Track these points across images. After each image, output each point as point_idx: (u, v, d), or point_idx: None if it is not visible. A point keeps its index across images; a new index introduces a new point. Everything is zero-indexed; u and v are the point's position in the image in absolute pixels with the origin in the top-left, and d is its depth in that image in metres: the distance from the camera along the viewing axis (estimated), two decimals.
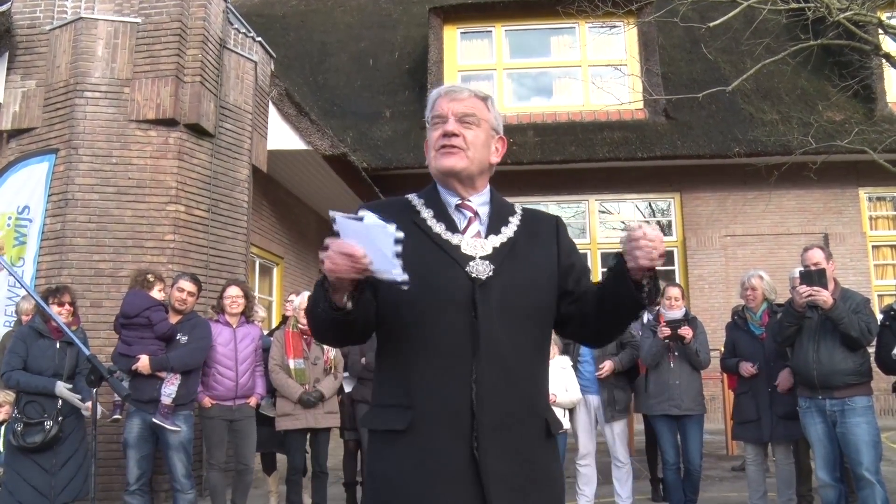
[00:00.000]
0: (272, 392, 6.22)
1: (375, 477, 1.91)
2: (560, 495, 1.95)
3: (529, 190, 12.46)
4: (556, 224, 2.08)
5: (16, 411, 5.29)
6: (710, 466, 7.86)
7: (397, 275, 1.65)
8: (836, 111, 12.38)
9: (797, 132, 11.21)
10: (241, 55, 8.69)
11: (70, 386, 5.28)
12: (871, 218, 13.20)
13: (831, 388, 4.83)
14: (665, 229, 13.57)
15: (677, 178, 13.02)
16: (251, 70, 8.78)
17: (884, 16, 9.86)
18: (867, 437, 4.74)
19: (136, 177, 7.57)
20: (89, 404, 5.22)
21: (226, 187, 8.25)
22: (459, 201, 2.00)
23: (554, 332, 2.07)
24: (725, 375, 7.93)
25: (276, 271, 11.68)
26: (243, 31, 9.01)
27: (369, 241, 1.63)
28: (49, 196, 7.49)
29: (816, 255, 5.00)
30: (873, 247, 13.10)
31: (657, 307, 6.49)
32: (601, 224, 13.49)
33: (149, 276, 5.88)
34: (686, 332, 5.79)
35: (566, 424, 6.02)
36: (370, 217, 1.67)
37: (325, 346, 6.02)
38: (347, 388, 6.47)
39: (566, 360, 6.06)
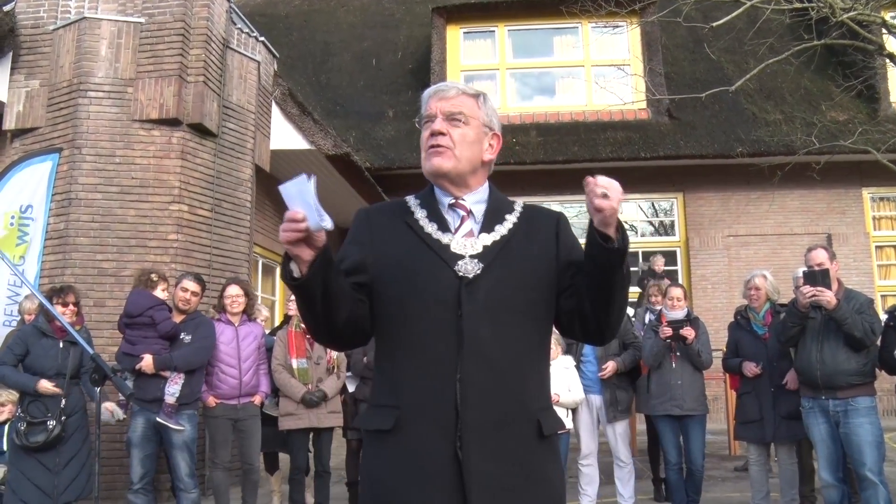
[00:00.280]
0: (275, 392, 6.23)
1: (365, 476, 1.92)
2: (556, 497, 1.91)
3: (532, 190, 12.45)
4: (557, 220, 2.04)
5: (19, 410, 5.30)
6: (712, 466, 7.85)
7: (325, 223, 1.67)
8: (839, 111, 12.37)
9: (800, 132, 11.20)
10: (245, 55, 8.70)
11: (53, 384, 5.25)
12: (874, 218, 13.18)
13: (834, 389, 4.82)
14: (668, 229, 13.57)
15: (680, 178, 13.01)
16: (254, 70, 8.79)
17: (887, 15, 9.85)
18: (870, 438, 4.73)
19: (140, 176, 7.58)
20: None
21: (229, 187, 8.26)
22: (452, 200, 1.98)
23: (558, 332, 2.05)
24: (728, 375, 7.92)
25: (278, 271, 11.68)
26: (246, 30, 9.02)
27: (303, 201, 1.66)
28: (52, 195, 7.50)
29: (820, 256, 4.99)
30: (877, 247, 13.08)
31: (659, 307, 6.49)
32: None
33: (152, 275, 5.88)
34: (688, 332, 5.78)
35: (568, 424, 6.02)
36: (299, 179, 1.69)
37: None
38: (350, 388, 6.48)
39: (569, 360, 6.06)
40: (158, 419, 5.46)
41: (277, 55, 9.85)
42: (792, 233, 12.73)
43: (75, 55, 7.72)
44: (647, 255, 13.18)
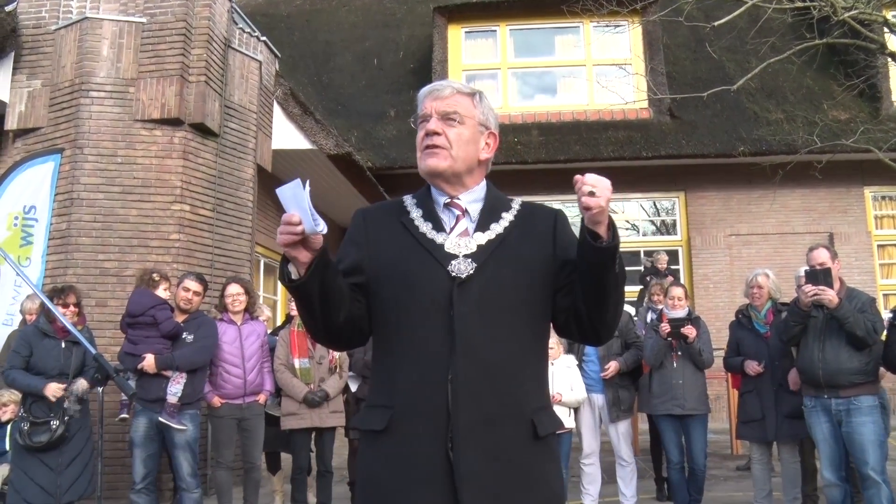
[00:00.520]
0: (277, 392, 6.23)
1: (360, 476, 1.93)
2: (553, 498, 1.90)
3: (534, 189, 12.43)
4: (555, 217, 2.02)
5: (22, 410, 5.31)
6: (714, 466, 7.85)
7: (319, 227, 1.70)
8: (841, 110, 12.36)
9: (802, 131, 11.18)
10: (246, 55, 8.71)
11: (63, 385, 5.23)
12: (876, 217, 13.18)
13: (837, 388, 4.82)
14: (670, 229, 13.57)
15: (682, 178, 13.01)
16: (256, 70, 8.79)
17: (889, 14, 9.83)
18: (873, 437, 4.73)
19: (142, 176, 7.59)
20: (78, 384, 5.23)
21: (231, 187, 8.27)
22: (448, 200, 1.97)
23: (555, 332, 2.04)
24: (730, 375, 7.91)
25: (277, 272, 11.67)
26: (248, 30, 9.03)
27: (299, 206, 1.70)
28: (55, 196, 7.51)
29: (822, 255, 4.99)
30: (878, 246, 13.08)
31: (661, 307, 6.49)
32: None
33: (154, 275, 5.89)
34: (689, 331, 5.78)
35: (571, 423, 6.02)
36: (295, 182, 1.73)
37: None
38: (353, 388, 6.48)
39: (571, 360, 6.05)
40: (161, 419, 5.45)
41: (279, 55, 9.86)
42: (794, 232, 12.73)
43: (77, 55, 7.73)
44: (650, 253, 13.21)
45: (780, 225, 12.86)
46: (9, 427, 5.83)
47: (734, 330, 5.97)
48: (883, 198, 13.24)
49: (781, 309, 5.61)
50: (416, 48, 14.64)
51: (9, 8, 8.03)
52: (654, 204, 13.76)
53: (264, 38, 9.25)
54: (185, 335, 5.66)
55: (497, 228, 1.94)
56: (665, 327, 5.81)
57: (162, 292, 5.82)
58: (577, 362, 6.08)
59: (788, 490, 5.62)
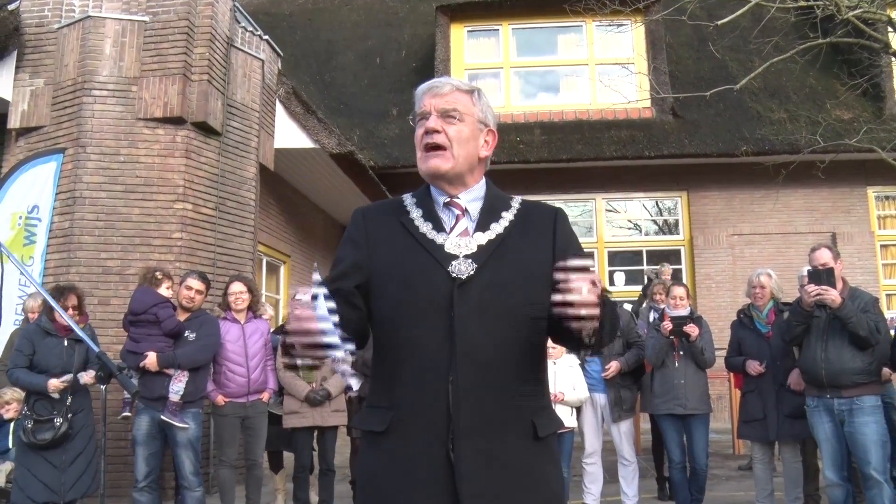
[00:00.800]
0: (280, 390, 6.23)
1: (360, 477, 1.92)
2: (554, 497, 1.89)
3: (536, 188, 12.45)
4: (555, 216, 2.01)
5: (26, 408, 5.32)
6: (716, 465, 7.85)
7: (340, 347, 1.68)
8: (844, 110, 12.34)
9: (805, 131, 11.17)
10: (249, 53, 8.71)
11: (65, 379, 5.25)
12: (879, 217, 13.16)
13: (839, 388, 4.81)
14: (672, 228, 13.56)
15: (684, 177, 13.00)
16: (258, 68, 8.80)
17: (893, 13, 9.82)
18: (875, 437, 4.72)
19: (144, 175, 7.59)
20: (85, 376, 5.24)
21: (233, 185, 8.27)
22: (447, 199, 1.96)
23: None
24: (732, 374, 7.91)
25: (283, 269, 11.70)
26: (250, 29, 9.03)
27: (326, 321, 1.68)
28: (57, 194, 7.52)
29: (824, 256, 4.98)
30: (881, 246, 13.06)
31: (663, 306, 6.49)
32: (608, 223, 13.48)
33: (157, 273, 5.89)
34: (692, 329, 5.77)
35: (573, 423, 6.02)
36: (322, 299, 1.70)
37: None
38: (354, 386, 6.48)
39: (573, 359, 6.05)
40: (163, 417, 5.46)
41: (281, 53, 9.86)
42: (796, 232, 12.72)
43: (80, 54, 7.74)
44: (653, 254, 13.20)
45: (783, 225, 12.85)
46: (12, 425, 5.85)
47: (736, 330, 5.96)
48: (886, 198, 13.22)
49: (783, 309, 5.61)
50: (419, 47, 14.64)
51: (11, 6, 8.04)
52: (657, 203, 13.75)
53: (267, 37, 9.25)
54: (187, 333, 5.67)
55: (497, 228, 1.92)
56: (667, 325, 5.81)
57: (164, 291, 5.83)
58: (579, 361, 6.08)
59: (790, 490, 5.61)
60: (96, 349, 3.27)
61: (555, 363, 5.71)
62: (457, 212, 1.95)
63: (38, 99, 7.90)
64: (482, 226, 1.92)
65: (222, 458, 6.02)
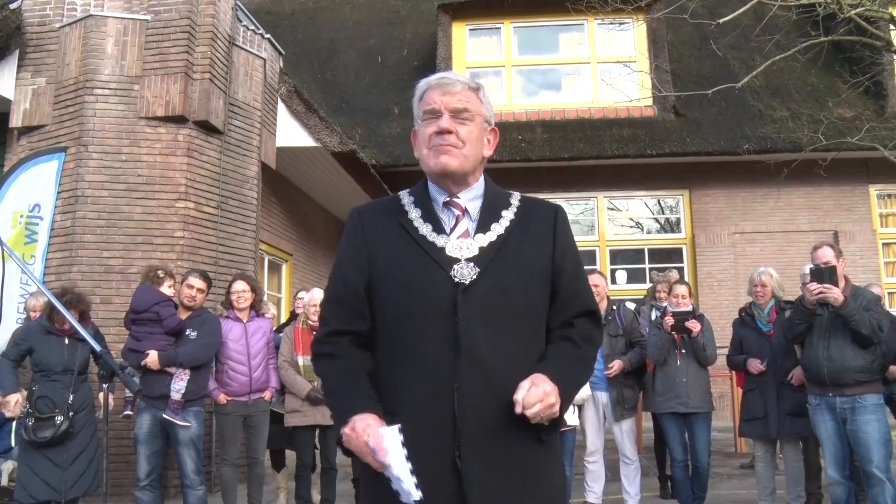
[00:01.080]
0: (282, 389, 6.23)
1: (365, 483, 1.90)
2: (557, 494, 1.89)
3: (538, 187, 12.44)
4: (555, 215, 1.98)
5: (28, 406, 5.33)
6: (718, 464, 7.85)
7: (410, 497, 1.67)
8: (846, 108, 12.32)
9: (807, 129, 11.14)
10: (250, 52, 8.71)
11: (16, 400, 5.26)
12: (881, 215, 13.14)
13: (842, 386, 4.81)
14: (674, 226, 13.55)
15: (686, 175, 12.99)
16: (260, 67, 8.80)
17: (895, 11, 9.80)
18: (877, 435, 4.72)
19: (146, 174, 7.60)
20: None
21: (235, 184, 8.27)
22: (447, 199, 1.93)
23: None
24: (735, 373, 7.91)
25: (285, 268, 11.70)
26: (252, 28, 9.04)
27: (397, 459, 1.68)
28: (59, 193, 7.53)
29: (826, 254, 4.98)
30: (883, 244, 13.04)
31: (665, 304, 6.49)
32: (610, 221, 13.47)
33: (159, 271, 5.90)
34: (693, 325, 5.77)
35: (575, 421, 6.01)
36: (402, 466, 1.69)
37: None
38: None
39: None
40: (164, 416, 5.46)
41: (283, 52, 9.86)
42: (798, 230, 12.71)
43: (81, 53, 7.74)
44: (654, 253, 13.20)
45: (785, 223, 12.84)
46: (14, 423, 5.85)
47: (737, 328, 5.97)
48: (888, 196, 13.20)
49: (785, 307, 5.62)
50: (421, 46, 14.64)
51: (13, 5, 8.04)
52: (659, 202, 13.74)
53: (268, 36, 9.26)
54: (188, 332, 5.67)
55: (498, 229, 1.90)
56: (669, 320, 5.82)
57: (166, 289, 5.84)
58: None
59: (792, 488, 5.62)
60: (98, 348, 3.27)
61: None
62: (457, 212, 1.93)
63: (39, 98, 7.90)
64: (483, 226, 1.90)
65: (224, 457, 6.03)
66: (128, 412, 6.23)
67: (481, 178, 1.99)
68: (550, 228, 1.96)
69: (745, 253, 12.78)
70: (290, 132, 9.62)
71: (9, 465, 6.10)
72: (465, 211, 1.93)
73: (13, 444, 5.85)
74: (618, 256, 13.41)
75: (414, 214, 1.92)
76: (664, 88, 11.81)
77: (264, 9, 15.02)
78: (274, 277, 11.42)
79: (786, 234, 12.76)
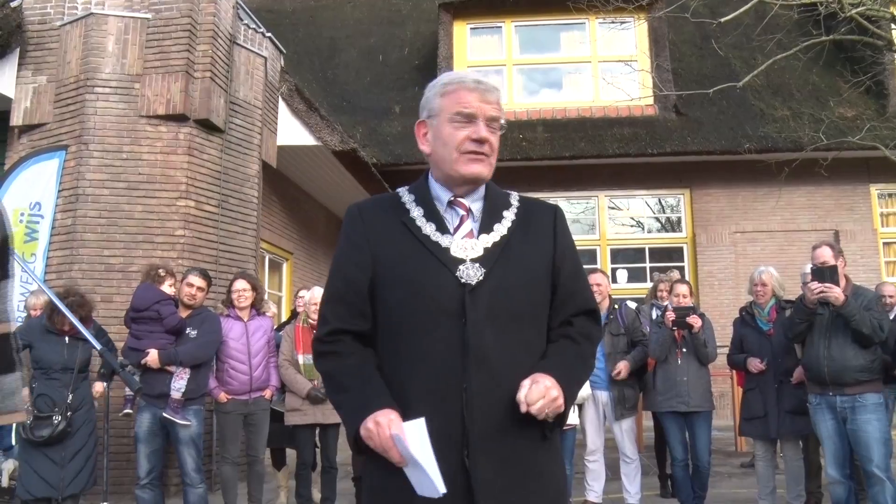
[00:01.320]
0: (282, 387, 6.24)
1: (369, 485, 1.88)
2: (559, 489, 1.90)
3: (539, 185, 12.44)
4: (554, 216, 1.99)
5: (27, 405, 5.33)
6: (718, 463, 7.85)
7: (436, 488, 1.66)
8: (847, 107, 12.31)
9: (808, 128, 11.13)
10: (251, 51, 8.71)
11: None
12: (882, 214, 13.13)
13: (842, 385, 4.82)
14: (675, 226, 13.55)
15: (687, 175, 12.98)
16: (261, 66, 8.80)
17: None
18: (878, 434, 4.72)
19: (147, 172, 7.60)
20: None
21: (236, 183, 8.27)
22: (451, 198, 1.92)
23: None
24: (735, 372, 7.91)
25: (285, 267, 11.71)
26: (253, 26, 9.03)
27: (423, 453, 1.66)
28: (59, 191, 7.53)
29: (824, 254, 4.98)
30: (884, 243, 13.04)
31: (666, 303, 6.50)
32: (610, 220, 13.47)
33: (160, 270, 5.90)
34: (695, 320, 5.78)
35: (575, 420, 6.02)
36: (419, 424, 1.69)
37: None
38: None
39: None
40: (164, 414, 5.46)
41: (284, 51, 9.86)
42: (799, 229, 12.70)
43: (82, 51, 7.74)
44: (655, 252, 13.19)
45: (786, 222, 12.83)
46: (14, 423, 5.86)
47: (738, 327, 5.97)
48: (889, 195, 13.19)
49: (785, 307, 5.62)
50: (422, 44, 14.64)
51: (14, 4, 8.04)
52: (660, 201, 13.73)
53: (269, 35, 9.25)
54: (188, 331, 5.67)
55: (500, 230, 1.90)
56: (671, 315, 5.82)
57: (167, 288, 5.83)
58: None
59: (792, 487, 5.62)
60: (98, 346, 3.27)
61: None
62: (461, 212, 1.92)
63: (40, 96, 7.90)
64: (486, 227, 1.90)
65: (225, 455, 6.04)
66: (127, 410, 6.24)
67: None
68: (551, 229, 1.96)
69: (745, 252, 12.78)
70: (291, 131, 9.62)
71: (9, 465, 6.11)
72: (469, 211, 1.92)
73: (13, 442, 5.85)
74: (618, 255, 13.40)
75: (416, 213, 1.91)
76: (665, 87, 11.81)
77: (265, 7, 15.01)
78: (274, 276, 11.42)
79: (786, 234, 12.75)
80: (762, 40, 10.98)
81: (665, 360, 5.92)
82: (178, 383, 5.49)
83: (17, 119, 7.91)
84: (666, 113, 12.74)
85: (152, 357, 5.47)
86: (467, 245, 1.85)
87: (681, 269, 12.49)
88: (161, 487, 5.80)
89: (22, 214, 7.54)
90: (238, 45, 8.52)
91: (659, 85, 11.50)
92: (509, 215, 1.94)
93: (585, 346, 1.95)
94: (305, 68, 13.92)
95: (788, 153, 11.15)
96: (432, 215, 1.90)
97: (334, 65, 14.64)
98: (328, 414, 6.04)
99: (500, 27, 13.96)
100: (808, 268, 5.32)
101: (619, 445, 6.17)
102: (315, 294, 6.09)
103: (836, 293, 4.77)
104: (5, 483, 6.17)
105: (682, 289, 6.07)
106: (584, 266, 2.09)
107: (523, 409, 1.70)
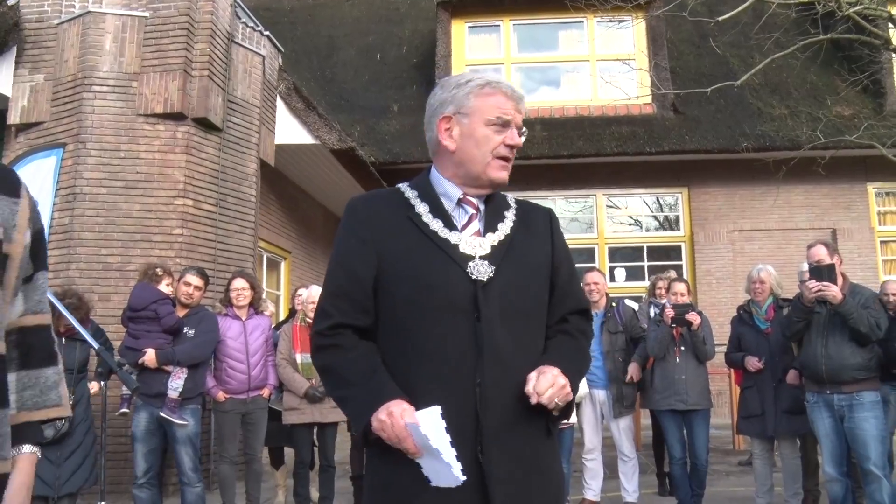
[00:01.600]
0: (280, 386, 6.24)
1: (374, 483, 1.86)
2: (560, 485, 1.92)
3: (537, 184, 12.45)
4: (550, 218, 2.03)
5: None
6: (716, 461, 7.86)
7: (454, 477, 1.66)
8: (844, 106, 12.33)
9: (806, 127, 11.15)
10: (249, 49, 8.70)
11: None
12: (879, 213, 13.15)
13: (839, 383, 4.82)
14: (673, 224, 13.56)
15: (685, 173, 12.99)
16: (259, 64, 8.79)
17: (893, 10, 9.80)
18: (875, 432, 4.73)
19: (144, 171, 7.59)
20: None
21: (234, 181, 8.27)
22: (461, 195, 1.92)
23: None
24: (733, 370, 7.92)
25: (283, 265, 11.70)
26: (251, 25, 9.02)
27: (438, 441, 1.65)
28: (57, 190, 7.51)
29: (819, 252, 4.99)
30: (881, 242, 13.05)
31: (664, 301, 6.50)
32: (608, 219, 13.47)
33: (157, 269, 5.88)
34: (693, 317, 5.78)
35: (572, 419, 6.02)
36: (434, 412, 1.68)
37: None
38: None
39: None
40: (162, 414, 5.45)
41: (282, 49, 9.85)
42: (797, 228, 12.72)
43: (80, 49, 7.73)
44: (653, 251, 13.20)
45: (784, 221, 12.85)
46: None
47: (735, 325, 5.98)
48: (886, 194, 13.21)
49: (783, 305, 5.62)
50: (420, 43, 14.63)
51: (11, 2, 8.03)
52: (658, 199, 13.74)
53: (267, 33, 9.24)
54: (185, 330, 5.66)
55: (504, 229, 1.91)
56: (669, 312, 5.82)
57: (165, 287, 5.82)
58: None
59: (789, 485, 5.63)
60: (95, 345, 3.27)
61: None
62: (471, 210, 1.92)
63: (37, 94, 7.89)
64: (490, 226, 1.91)
65: (223, 454, 6.03)
66: (124, 410, 6.23)
67: None
68: (548, 230, 2.00)
69: (743, 251, 12.79)
70: (289, 129, 9.61)
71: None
72: (478, 210, 1.93)
73: None
74: (616, 254, 13.41)
75: (422, 209, 1.90)
76: (663, 86, 11.81)
77: (263, 5, 15.00)
78: (272, 275, 11.42)
79: (784, 232, 12.77)
80: (760, 39, 10.99)
81: (663, 357, 5.92)
82: (175, 383, 5.48)
83: (14, 118, 7.89)
84: (664, 112, 12.74)
85: (149, 357, 5.45)
86: (475, 243, 1.86)
87: (678, 268, 12.50)
88: (158, 487, 5.78)
89: None
90: (236, 43, 8.51)
91: (657, 84, 11.50)
92: (510, 215, 1.96)
93: (582, 341, 2.00)
94: (303, 67, 13.91)
95: (786, 152, 11.16)
96: (438, 211, 1.89)
97: (332, 63, 14.64)
98: (326, 413, 6.05)
99: (499, 25, 13.96)
100: (805, 266, 5.33)
101: (617, 444, 6.18)
102: (313, 293, 6.09)
103: (834, 291, 4.78)
104: None
105: (680, 287, 6.07)
106: (582, 265, 2.11)
107: (534, 400, 1.72)
